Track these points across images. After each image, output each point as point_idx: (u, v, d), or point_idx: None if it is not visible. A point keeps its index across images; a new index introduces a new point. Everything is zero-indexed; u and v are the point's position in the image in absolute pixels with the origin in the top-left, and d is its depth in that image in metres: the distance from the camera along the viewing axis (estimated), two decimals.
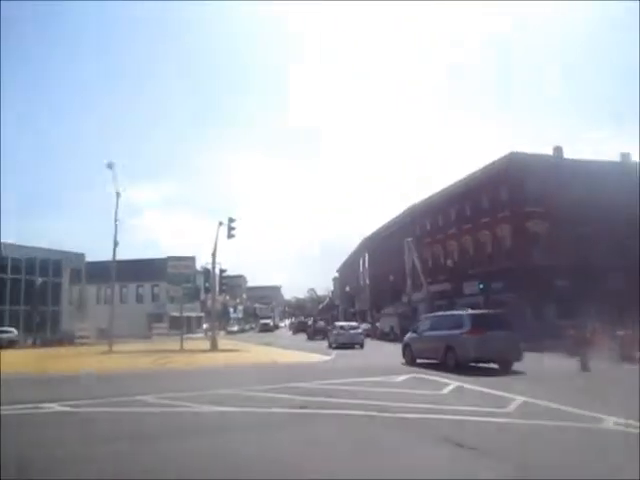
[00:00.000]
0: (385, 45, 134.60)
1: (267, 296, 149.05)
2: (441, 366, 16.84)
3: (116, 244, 33.81)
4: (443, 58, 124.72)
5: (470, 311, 19.32)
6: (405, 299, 51.10)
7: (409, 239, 49.48)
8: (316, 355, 24.97)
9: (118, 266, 36.43)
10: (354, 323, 40.40)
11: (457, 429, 7.67)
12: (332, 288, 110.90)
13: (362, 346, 32.15)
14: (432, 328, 19.18)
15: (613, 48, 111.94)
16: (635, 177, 40.61)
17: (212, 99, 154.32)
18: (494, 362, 16.86)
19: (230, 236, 33.30)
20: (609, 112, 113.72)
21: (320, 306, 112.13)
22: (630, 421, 7.75)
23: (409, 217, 56.77)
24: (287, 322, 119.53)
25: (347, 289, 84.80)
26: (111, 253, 34.04)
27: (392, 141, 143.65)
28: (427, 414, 8.76)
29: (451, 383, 12.73)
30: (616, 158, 43.41)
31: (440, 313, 22.89)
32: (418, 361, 18.82)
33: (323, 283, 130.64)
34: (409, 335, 20.68)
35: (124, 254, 42.29)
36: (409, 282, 49.70)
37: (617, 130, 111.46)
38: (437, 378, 13.81)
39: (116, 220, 33.82)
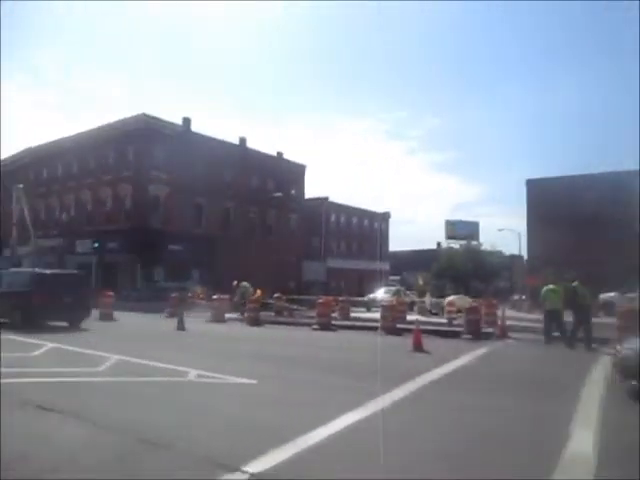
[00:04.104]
0: None
1: None
2: (11, 325, 15.97)
3: None
4: None
5: (37, 270, 19.09)
6: (8, 252, 45.73)
7: (20, 186, 44.33)
8: None
9: None
10: None
11: (44, 392, 7.39)
12: None
13: None
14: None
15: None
16: (253, 162, 46.63)
17: None
18: (62, 321, 17.18)
19: None
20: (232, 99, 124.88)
21: None
22: (204, 372, 8.93)
23: (24, 160, 50.66)
24: None
25: None
26: None
27: (26, 78, 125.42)
28: (11, 378, 8.15)
29: (45, 344, 12.11)
30: (235, 141, 48.08)
31: (12, 270, 21.34)
32: None
33: None
34: None
35: None
36: (15, 233, 44.62)
37: (239, 117, 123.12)
38: (31, 340, 12.92)
39: None
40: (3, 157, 55.02)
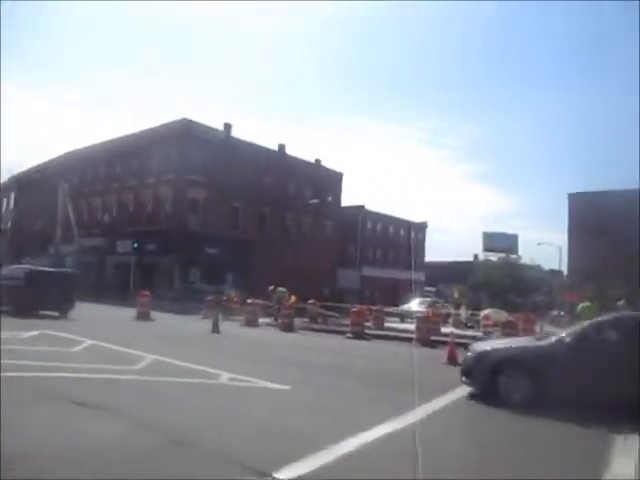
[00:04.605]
0: None
1: None
2: (8, 313, 17.49)
3: None
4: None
5: (30, 268, 22.42)
6: (52, 250, 47.16)
7: (65, 183, 45.73)
8: None
9: None
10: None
11: (81, 387, 7.55)
12: None
13: None
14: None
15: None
16: (291, 168, 46.98)
17: None
18: (50, 310, 19.44)
19: None
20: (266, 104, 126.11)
21: None
22: (237, 375, 8.97)
23: (69, 162, 52.23)
24: None
25: None
26: None
27: (70, 83, 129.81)
28: (51, 372, 8.36)
29: (85, 341, 12.39)
30: (274, 147, 48.43)
31: (11, 267, 24.21)
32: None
33: None
34: None
35: None
36: (59, 232, 46.01)
37: (277, 123, 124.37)
38: (69, 335, 13.24)
39: None
40: (49, 159, 56.92)
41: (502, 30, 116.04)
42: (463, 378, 8.62)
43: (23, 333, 13.08)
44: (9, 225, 65.20)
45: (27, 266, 23.81)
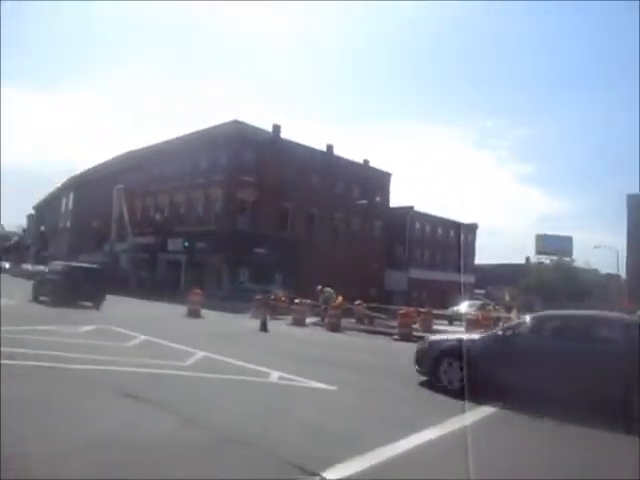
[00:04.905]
0: None
1: None
2: (49, 303, 20.89)
3: None
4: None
5: (67, 264, 25.75)
6: (107, 248, 48.86)
7: (120, 186, 47.27)
8: None
9: None
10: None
11: (135, 381, 7.77)
12: (26, 226, 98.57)
13: None
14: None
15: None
16: (339, 168, 47.02)
17: None
18: (83, 301, 21.87)
19: None
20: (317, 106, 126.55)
21: (6, 244, 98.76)
22: (286, 375, 9.03)
23: (124, 163, 54.00)
24: None
25: (42, 229, 76.54)
26: None
27: (127, 86, 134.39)
28: (106, 366, 8.64)
29: (138, 336, 12.75)
30: (322, 148, 48.53)
31: (54, 262, 27.77)
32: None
33: (17, 219, 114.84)
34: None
35: None
36: (114, 231, 47.63)
37: (326, 124, 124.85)
38: (124, 330, 13.65)
39: None
40: (104, 160, 58.99)
41: (553, 31, 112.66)
42: (416, 367, 9.65)
43: (80, 327, 13.59)
44: (68, 224, 67.93)
45: (64, 262, 27.12)
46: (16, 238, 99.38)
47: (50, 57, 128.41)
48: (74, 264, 26.32)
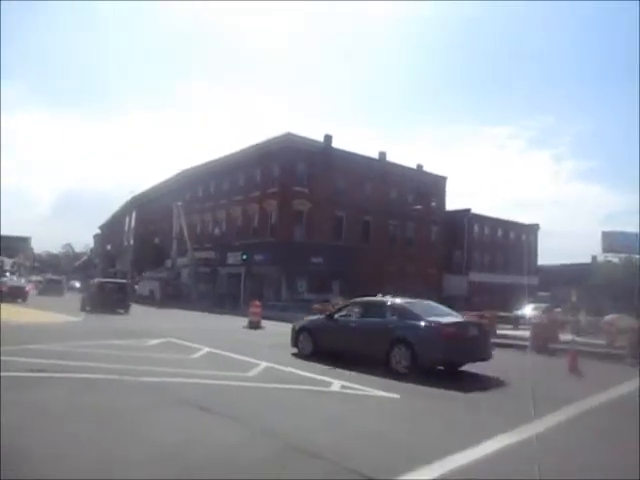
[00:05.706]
0: None
1: (11, 248, 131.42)
2: (90, 311, 26.26)
3: None
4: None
5: (100, 280, 32.51)
6: (169, 263, 50.37)
7: (179, 203, 48.73)
8: (63, 316, 23.14)
9: None
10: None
11: (201, 392, 7.95)
12: (93, 245, 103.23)
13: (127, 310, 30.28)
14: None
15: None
16: (393, 175, 46.72)
17: None
18: (112, 309, 26.29)
19: None
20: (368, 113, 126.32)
21: (77, 263, 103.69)
22: (348, 383, 9.00)
23: (181, 181, 55.70)
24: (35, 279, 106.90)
25: (108, 247, 79.91)
26: None
27: (169, 105, 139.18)
28: (172, 378, 8.89)
29: (203, 348, 13.05)
30: (375, 155, 48.40)
31: (95, 279, 33.91)
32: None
33: (84, 239, 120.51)
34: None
35: None
36: (175, 246, 49.09)
37: (377, 130, 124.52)
38: (190, 343, 14.00)
39: None
40: (164, 179, 60.99)
41: (606, 26, 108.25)
42: (291, 343, 13.26)
43: (148, 341, 14.05)
44: (132, 241, 70.58)
45: (99, 279, 34.19)
46: (85, 257, 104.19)
47: (112, 81, 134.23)
48: (105, 280, 33.13)
